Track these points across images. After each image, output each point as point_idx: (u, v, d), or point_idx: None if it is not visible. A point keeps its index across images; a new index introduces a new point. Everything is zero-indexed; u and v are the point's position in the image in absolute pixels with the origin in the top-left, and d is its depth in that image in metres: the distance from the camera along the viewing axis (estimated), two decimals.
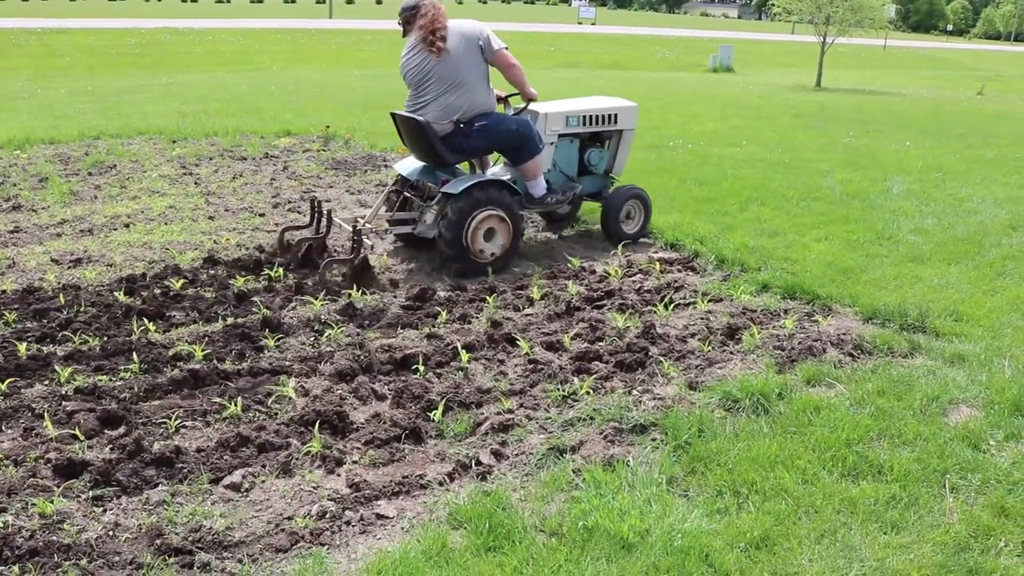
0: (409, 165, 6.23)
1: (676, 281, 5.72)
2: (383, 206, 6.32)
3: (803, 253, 6.27)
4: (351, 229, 5.65)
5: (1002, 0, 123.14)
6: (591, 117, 6.56)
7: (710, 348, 4.57)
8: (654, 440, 3.55)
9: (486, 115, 5.91)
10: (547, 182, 6.37)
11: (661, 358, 4.39)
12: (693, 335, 4.77)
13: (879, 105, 20.01)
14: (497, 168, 6.59)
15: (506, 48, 5.88)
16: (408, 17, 5.88)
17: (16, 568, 2.69)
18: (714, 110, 16.08)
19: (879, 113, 17.84)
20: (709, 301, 5.30)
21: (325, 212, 6.08)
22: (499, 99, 6.41)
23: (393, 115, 6.16)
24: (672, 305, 5.20)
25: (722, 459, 3.34)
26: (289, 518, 3.01)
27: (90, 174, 8.90)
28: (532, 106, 6.32)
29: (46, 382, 4.04)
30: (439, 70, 5.76)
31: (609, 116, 6.63)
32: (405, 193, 6.29)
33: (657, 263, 6.02)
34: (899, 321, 4.97)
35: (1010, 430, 3.69)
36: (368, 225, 5.91)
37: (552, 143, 6.44)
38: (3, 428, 3.62)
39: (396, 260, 6.26)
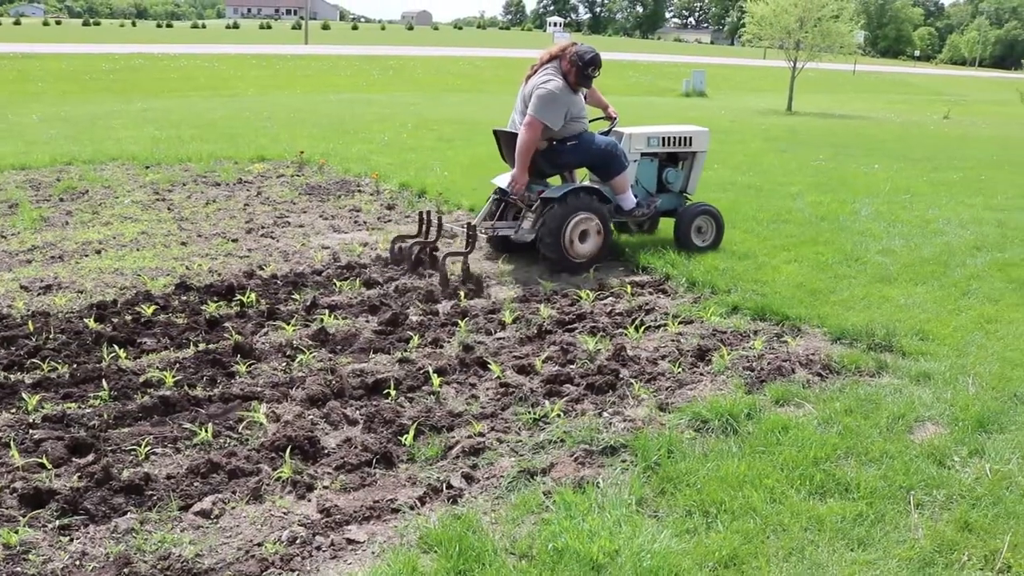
0: (506, 179, 6.80)
1: (647, 304, 5.78)
2: (485, 215, 6.98)
3: (773, 275, 6.34)
4: (465, 227, 6.46)
5: (966, 27, 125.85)
6: (669, 139, 7.18)
7: (680, 370, 4.61)
8: (624, 462, 3.58)
9: (578, 135, 6.59)
10: (634, 196, 6.97)
11: (632, 380, 4.42)
12: (664, 357, 4.81)
13: (848, 129, 20.33)
14: (584, 183, 6.96)
15: (535, 118, 6.35)
16: None
17: None
18: None
19: (848, 136, 18.13)
20: (679, 323, 5.35)
21: (435, 220, 6.82)
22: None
23: (495, 132, 7.04)
24: (643, 327, 5.24)
25: (691, 479, 3.37)
26: (259, 544, 3.00)
27: (61, 200, 8.87)
28: (618, 128, 7.11)
29: (13, 410, 4.00)
30: (523, 102, 6.61)
31: (685, 139, 7.23)
32: (505, 200, 6.89)
33: (628, 286, 6.08)
34: (867, 341, 5.03)
35: (974, 446, 3.75)
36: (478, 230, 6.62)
37: (635, 160, 7.08)
38: None
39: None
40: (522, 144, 6.40)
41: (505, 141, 6.89)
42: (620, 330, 5.24)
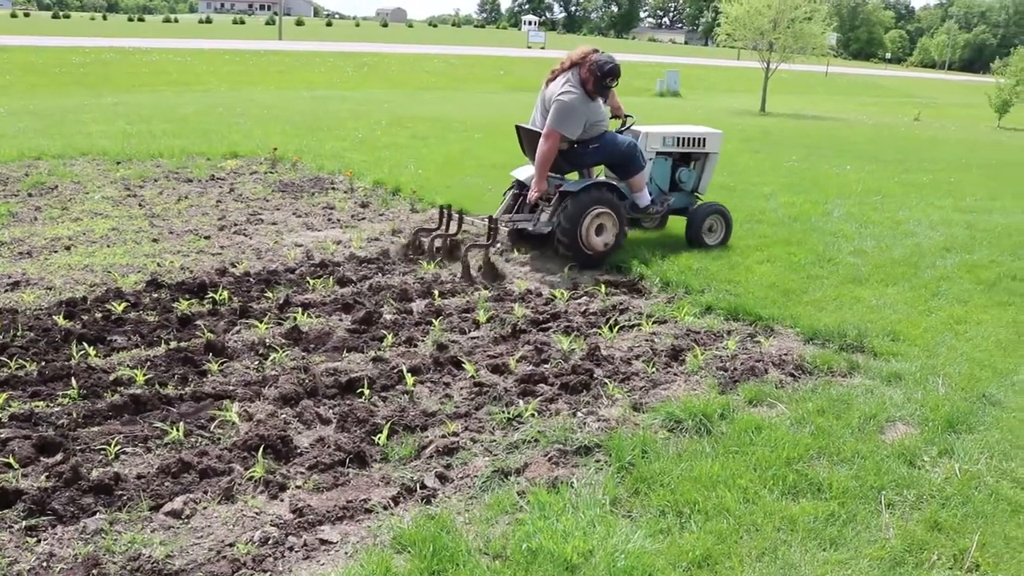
0: (525, 172, 7.09)
1: (621, 303, 5.79)
2: (504, 208, 7.19)
3: (746, 275, 6.39)
4: (487, 220, 6.60)
5: (936, 31, 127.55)
6: (684, 139, 7.40)
7: (654, 370, 4.62)
8: (598, 461, 3.58)
9: (599, 137, 6.79)
10: (649, 194, 7.18)
11: (606, 380, 4.43)
12: (638, 357, 4.82)
13: (821, 130, 20.51)
14: (601, 179, 7.16)
15: (553, 129, 6.57)
16: None
17: None
18: None
19: (821, 138, 18.29)
20: (653, 323, 5.37)
21: (456, 215, 6.99)
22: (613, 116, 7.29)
23: (517, 127, 7.23)
24: (617, 327, 5.25)
25: (665, 480, 3.38)
26: (231, 545, 2.96)
27: (30, 195, 8.73)
28: (636, 127, 7.31)
29: None
30: (543, 104, 6.85)
31: (699, 140, 7.45)
32: (523, 194, 7.10)
33: (602, 285, 6.09)
34: (839, 341, 5.08)
35: (943, 446, 3.79)
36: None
37: (651, 159, 7.27)
38: None
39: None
40: (541, 154, 6.59)
41: (527, 138, 7.11)
42: (594, 330, 5.25)
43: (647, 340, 5.10)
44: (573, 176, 7.19)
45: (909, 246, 7.62)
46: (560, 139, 6.58)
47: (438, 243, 6.90)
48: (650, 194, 7.18)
